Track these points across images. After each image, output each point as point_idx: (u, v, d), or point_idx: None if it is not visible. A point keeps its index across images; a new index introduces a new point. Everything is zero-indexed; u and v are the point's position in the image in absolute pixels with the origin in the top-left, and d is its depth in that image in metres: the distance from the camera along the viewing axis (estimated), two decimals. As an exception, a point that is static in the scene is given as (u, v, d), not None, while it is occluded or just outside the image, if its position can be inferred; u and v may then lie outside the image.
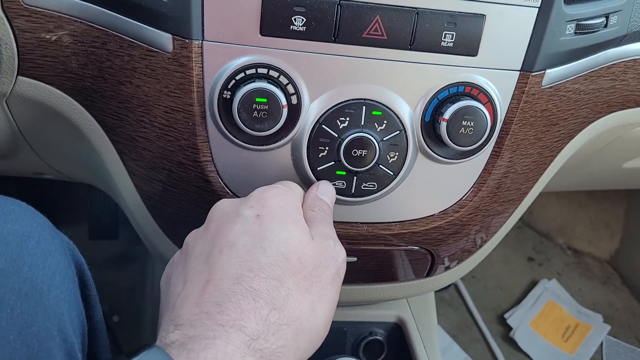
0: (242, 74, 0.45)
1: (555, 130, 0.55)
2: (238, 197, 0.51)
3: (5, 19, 0.45)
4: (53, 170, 0.76)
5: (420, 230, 0.56)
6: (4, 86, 0.49)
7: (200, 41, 0.45)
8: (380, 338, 0.77)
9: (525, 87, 0.49)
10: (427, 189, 0.53)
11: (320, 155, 0.49)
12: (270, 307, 0.35)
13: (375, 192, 0.52)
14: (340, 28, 0.45)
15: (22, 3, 0.45)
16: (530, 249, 1.46)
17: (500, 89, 0.49)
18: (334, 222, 0.48)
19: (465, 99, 0.48)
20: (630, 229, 1.42)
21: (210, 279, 0.37)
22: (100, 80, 0.48)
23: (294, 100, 0.47)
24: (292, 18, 0.44)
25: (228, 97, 0.46)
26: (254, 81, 0.45)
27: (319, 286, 0.38)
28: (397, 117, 0.49)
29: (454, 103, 0.47)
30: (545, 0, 0.46)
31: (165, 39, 0.45)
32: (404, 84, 0.48)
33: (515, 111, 0.50)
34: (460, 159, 0.52)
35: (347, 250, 0.43)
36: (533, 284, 1.35)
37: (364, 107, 0.48)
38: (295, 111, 0.47)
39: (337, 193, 0.51)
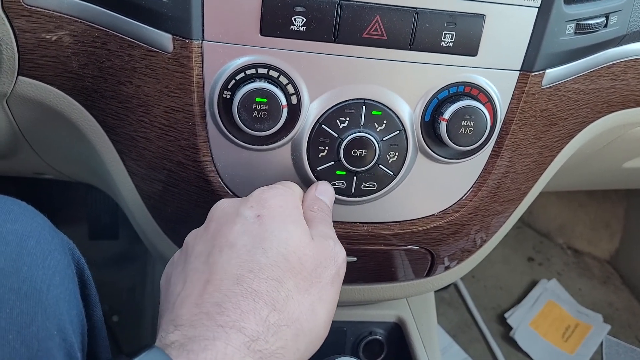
0: (242, 74, 0.45)
1: (555, 130, 0.55)
2: (238, 197, 0.51)
3: (5, 19, 0.45)
4: (53, 170, 0.76)
5: (420, 230, 0.56)
6: (4, 86, 0.49)
7: (200, 41, 0.45)
8: (380, 338, 0.77)
9: (525, 87, 0.49)
10: (427, 188, 0.53)
11: (320, 155, 0.49)
12: (270, 308, 0.35)
13: (375, 192, 0.52)
14: (340, 28, 0.45)
15: (23, 3, 0.45)
16: (530, 249, 1.46)
17: (500, 88, 0.49)
18: (334, 222, 0.48)
19: (465, 99, 0.48)
20: (630, 229, 1.42)
21: (210, 279, 0.37)
22: (101, 80, 0.48)
23: (293, 100, 0.47)
24: (292, 18, 0.44)
25: (228, 97, 0.46)
26: (254, 81, 0.45)
27: (319, 287, 0.38)
28: (397, 117, 0.49)
29: (454, 103, 0.47)
30: (545, 0, 0.46)
31: (165, 39, 0.45)
32: (403, 83, 0.48)
33: (515, 111, 0.50)
34: (460, 158, 0.52)
35: (347, 250, 0.43)
36: (533, 284, 1.35)
37: (364, 107, 0.48)
38: (295, 111, 0.47)
39: (337, 193, 0.51)
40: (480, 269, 0.86)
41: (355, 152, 0.48)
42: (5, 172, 0.87)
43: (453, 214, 0.55)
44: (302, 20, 0.44)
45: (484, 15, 0.46)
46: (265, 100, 0.45)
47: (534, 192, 0.61)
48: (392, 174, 0.51)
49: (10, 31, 0.46)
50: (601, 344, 1.25)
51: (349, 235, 0.55)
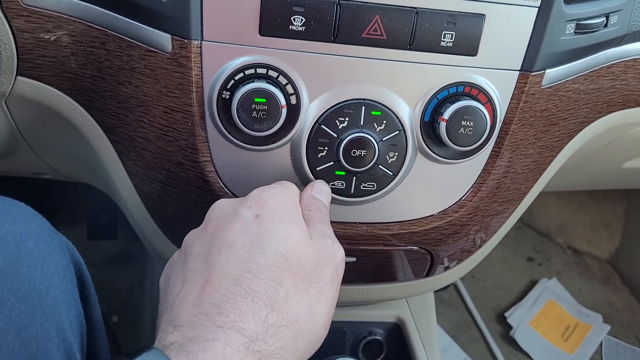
0: (241, 74, 0.45)
1: (555, 130, 0.55)
2: (237, 197, 0.51)
3: (4, 19, 0.45)
4: (52, 170, 0.76)
5: (420, 231, 0.56)
6: (3, 86, 0.49)
7: (199, 41, 0.45)
8: (380, 338, 0.77)
9: (525, 87, 0.49)
10: (427, 189, 0.53)
11: (319, 156, 0.49)
12: (269, 309, 0.35)
13: (375, 192, 0.52)
14: (340, 28, 0.45)
15: (21, 3, 0.45)
16: (530, 249, 1.46)
17: (500, 88, 0.49)
18: (333, 222, 0.48)
19: (465, 99, 0.47)
20: (630, 229, 1.42)
21: (209, 280, 0.36)
22: (99, 80, 0.48)
23: (293, 100, 0.47)
24: (292, 18, 0.44)
25: (227, 97, 0.46)
26: (253, 81, 0.45)
27: (318, 286, 0.38)
28: (397, 117, 0.48)
29: (454, 103, 0.47)
30: (545, 0, 0.46)
31: (164, 39, 0.45)
32: (403, 84, 0.48)
33: (515, 111, 0.50)
34: (460, 159, 0.52)
35: (346, 250, 0.42)
36: (533, 284, 1.35)
37: (363, 107, 0.48)
38: (294, 111, 0.47)
39: (337, 193, 0.51)
40: (480, 269, 0.86)
41: (354, 153, 0.48)
42: (4, 172, 0.87)
43: (453, 214, 0.55)
44: (302, 20, 0.44)
45: (484, 15, 0.46)
46: (264, 100, 0.45)
47: (533, 192, 0.61)
48: (391, 174, 0.51)
49: (9, 31, 0.46)
50: (601, 344, 1.25)
51: (349, 235, 0.55)
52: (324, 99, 0.47)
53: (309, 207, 0.44)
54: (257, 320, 0.35)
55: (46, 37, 0.46)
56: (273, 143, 0.48)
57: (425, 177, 0.52)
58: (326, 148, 0.49)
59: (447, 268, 0.63)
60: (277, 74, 0.46)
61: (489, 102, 0.49)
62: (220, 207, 0.42)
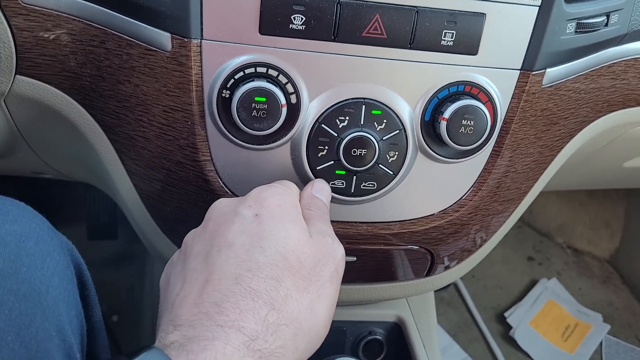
0: (241, 73, 0.45)
1: (555, 129, 0.55)
2: (237, 196, 0.51)
3: (3, 17, 0.45)
4: (51, 170, 0.76)
5: (420, 230, 0.56)
6: (2, 85, 0.49)
7: (199, 40, 0.44)
8: (380, 338, 0.77)
9: (526, 86, 0.49)
10: (427, 188, 0.53)
11: (319, 155, 0.49)
12: (269, 307, 0.35)
13: (375, 192, 0.52)
14: (340, 27, 0.44)
15: (21, 2, 0.45)
16: (530, 249, 1.46)
17: (501, 88, 0.49)
18: (333, 221, 0.48)
19: (465, 98, 0.47)
20: (631, 229, 1.42)
21: (209, 279, 0.36)
22: (99, 79, 0.48)
23: (293, 99, 0.47)
24: (292, 17, 0.44)
25: (227, 96, 0.46)
26: (253, 80, 0.45)
27: (318, 285, 0.38)
28: (397, 116, 0.48)
29: (454, 102, 0.47)
30: (545, -1, 0.46)
31: (163, 38, 0.45)
32: (403, 83, 0.48)
33: (516, 110, 0.50)
34: (460, 158, 0.51)
35: (346, 249, 0.42)
36: (533, 284, 1.35)
37: (364, 106, 0.48)
38: (294, 110, 0.47)
39: (337, 192, 0.51)
40: (480, 268, 0.86)
41: (354, 152, 0.48)
42: (3, 172, 0.87)
43: (453, 214, 0.55)
44: (302, 19, 0.44)
45: (485, 14, 0.46)
46: (264, 99, 0.44)
47: (534, 192, 0.61)
48: (391, 173, 0.51)
49: (8, 30, 0.45)
50: (601, 343, 1.25)
51: (349, 234, 0.55)
52: (324, 98, 0.47)
53: (309, 206, 0.44)
54: (257, 319, 0.34)
55: (45, 35, 0.46)
56: (273, 142, 0.48)
57: (426, 176, 0.52)
58: (326, 147, 0.49)
59: (447, 267, 0.63)
60: (277, 72, 0.46)
61: (489, 101, 0.49)
62: (220, 207, 0.42)
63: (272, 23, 0.44)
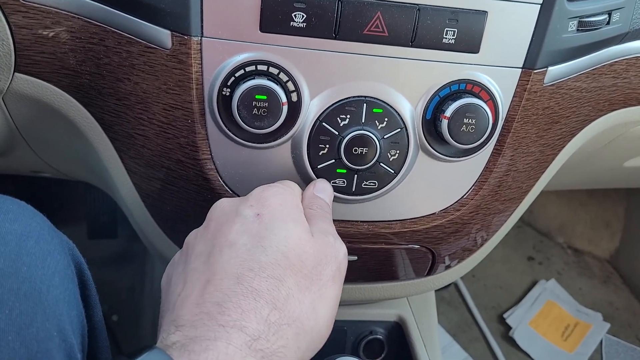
0: (242, 71, 0.45)
1: (557, 128, 0.55)
2: (237, 195, 0.51)
3: (2, 15, 0.45)
4: (51, 169, 0.76)
5: (421, 229, 0.55)
6: (0, 83, 0.49)
7: (199, 37, 0.44)
8: (381, 337, 0.77)
9: (527, 84, 0.49)
10: (428, 187, 0.53)
11: (320, 153, 0.49)
12: (271, 307, 0.35)
13: (376, 191, 0.51)
14: (341, 24, 0.44)
15: (20, -1, 0.44)
16: (530, 248, 1.46)
17: (502, 86, 0.49)
18: (334, 220, 0.48)
19: (467, 97, 0.47)
20: (631, 228, 1.42)
21: (210, 279, 0.36)
22: (98, 77, 0.48)
23: (294, 97, 0.46)
24: (292, 14, 0.44)
25: (227, 94, 0.46)
26: (254, 78, 0.45)
27: (320, 284, 0.38)
28: (398, 114, 0.48)
29: (456, 100, 0.47)
30: (547, -3, 0.46)
31: (163, 36, 0.44)
32: (405, 81, 0.47)
33: (517, 109, 0.50)
34: (462, 157, 0.51)
35: (347, 249, 0.42)
36: (533, 283, 1.35)
37: (365, 104, 0.48)
38: (295, 108, 0.47)
39: (338, 191, 0.50)
40: (481, 268, 0.86)
41: (356, 150, 0.48)
42: (2, 171, 0.87)
43: (454, 213, 0.55)
44: (303, 16, 0.44)
45: (486, 12, 0.45)
46: (265, 97, 0.44)
47: (535, 191, 0.61)
48: (393, 172, 0.50)
49: (7, 27, 0.45)
50: (601, 342, 1.24)
51: (350, 234, 0.55)
52: (325, 96, 0.47)
53: (311, 205, 0.44)
54: (259, 319, 0.34)
55: (44, 33, 0.46)
56: (274, 141, 0.48)
57: (427, 175, 0.52)
58: (327, 146, 0.48)
59: (448, 267, 0.63)
60: (278, 70, 0.45)
61: (491, 99, 0.48)
62: (222, 207, 0.42)
63: (273, 20, 0.44)
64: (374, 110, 0.48)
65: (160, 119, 0.48)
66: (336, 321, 0.40)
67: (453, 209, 0.55)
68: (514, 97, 0.49)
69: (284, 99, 0.45)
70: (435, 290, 0.78)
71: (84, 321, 0.39)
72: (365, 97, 0.47)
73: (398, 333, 0.78)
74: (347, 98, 0.47)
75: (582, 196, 1.47)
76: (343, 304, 0.54)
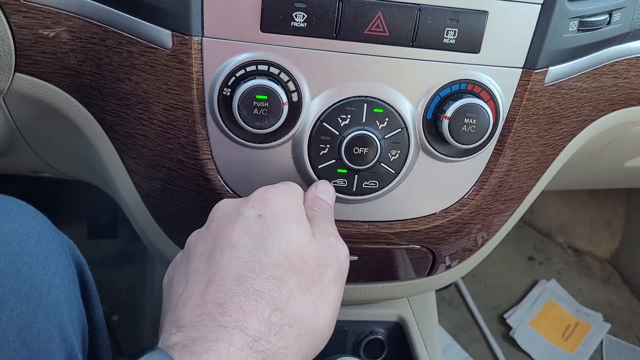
0: (242, 71, 0.45)
1: (557, 128, 0.55)
2: (238, 195, 0.51)
3: (2, 15, 0.45)
4: (51, 169, 0.76)
5: (422, 229, 0.55)
6: (1, 83, 0.49)
7: (200, 37, 0.44)
8: (381, 337, 0.77)
9: (528, 84, 0.49)
10: (429, 187, 0.53)
11: (321, 153, 0.49)
12: (273, 308, 0.35)
13: (377, 191, 0.51)
14: (342, 24, 0.44)
15: (20, -1, 0.44)
16: (530, 248, 1.46)
17: (503, 86, 0.49)
18: (335, 220, 0.48)
19: (468, 97, 0.47)
20: (631, 228, 1.42)
21: (212, 280, 0.36)
22: (99, 77, 0.48)
23: (294, 97, 0.46)
24: (293, 14, 0.43)
25: (228, 94, 0.46)
26: (254, 78, 0.45)
27: (321, 285, 0.38)
28: (399, 114, 0.48)
29: (456, 100, 0.47)
30: (548, -3, 0.46)
31: (164, 35, 0.44)
32: (405, 81, 0.47)
33: (518, 109, 0.50)
34: (462, 157, 0.51)
35: (348, 249, 0.42)
36: (533, 283, 1.35)
37: (365, 104, 0.48)
38: (296, 108, 0.47)
39: (338, 191, 0.50)
40: (481, 268, 0.86)
41: (356, 150, 0.48)
42: (3, 170, 0.87)
43: (455, 213, 0.55)
44: (303, 16, 0.44)
45: (487, 12, 0.45)
46: (265, 97, 0.44)
47: (535, 191, 0.61)
48: (393, 172, 0.50)
49: (7, 27, 0.45)
50: (601, 342, 1.24)
51: (350, 234, 0.55)
52: (326, 96, 0.47)
53: (313, 206, 0.43)
54: (260, 320, 0.34)
55: (45, 33, 0.46)
56: (274, 141, 0.48)
57: (428, 175, 0.52)
58: (328, 146, 0.48)
59: (448, 267, 0.63)
60: (279, 70, 0.45)
61: (491, 99, 0.48)
62: (224, 207, 0.41)
63: (274, 20, 0.44)
64: (375, 110, 0.48)
65: (160, 119, 0.48)
66: (337, 321, 0.40)
67: (454, 209, 0.55)
68: (514, 97, 0.49)
69: (284, 99, 0.45)
70: (436, 291, 0.78)
71: (85, 321, 0.39)
72: (365, 97, 0.47)
73: (398, 333, 0.78)
74: (347, 98, 0.47)
75: (582, 196, 1.47)
76: (344, 304, 0.54)
